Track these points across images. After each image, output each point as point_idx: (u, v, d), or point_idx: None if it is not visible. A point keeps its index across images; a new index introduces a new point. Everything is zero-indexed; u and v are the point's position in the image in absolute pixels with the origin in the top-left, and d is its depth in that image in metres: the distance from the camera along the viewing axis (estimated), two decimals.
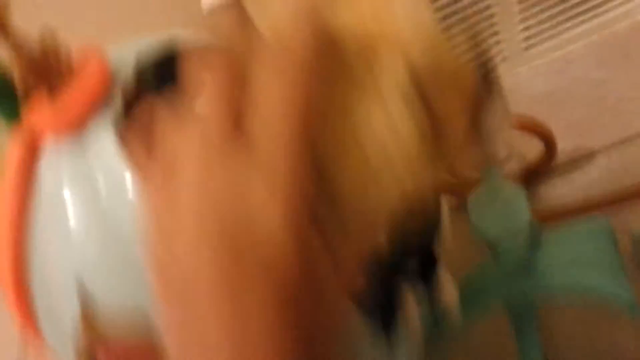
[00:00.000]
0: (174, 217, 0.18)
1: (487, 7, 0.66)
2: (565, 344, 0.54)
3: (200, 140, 0.18)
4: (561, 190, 0.61)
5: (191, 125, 0.19)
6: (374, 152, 0.20)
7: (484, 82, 0.23)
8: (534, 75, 0.70)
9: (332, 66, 0.20)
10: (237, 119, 0.18)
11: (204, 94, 0.19)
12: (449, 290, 0.37)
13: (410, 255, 0.36)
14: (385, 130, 0.20)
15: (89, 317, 0.28)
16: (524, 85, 0.69)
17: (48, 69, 0.29)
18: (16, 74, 0.29)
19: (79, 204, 0.28)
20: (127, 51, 0.31)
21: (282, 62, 0.18)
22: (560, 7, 0.68)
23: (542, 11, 0.68)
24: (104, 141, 0.28)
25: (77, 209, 0.28)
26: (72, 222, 0.28)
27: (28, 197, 0.30)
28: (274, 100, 0.18)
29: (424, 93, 0.21)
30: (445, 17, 0.67)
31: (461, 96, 0.23)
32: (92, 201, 0.28)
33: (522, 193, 0.42)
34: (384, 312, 0.38)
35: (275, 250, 0.17)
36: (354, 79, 0.20)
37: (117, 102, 0.28)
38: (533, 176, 0.62)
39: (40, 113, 0.29)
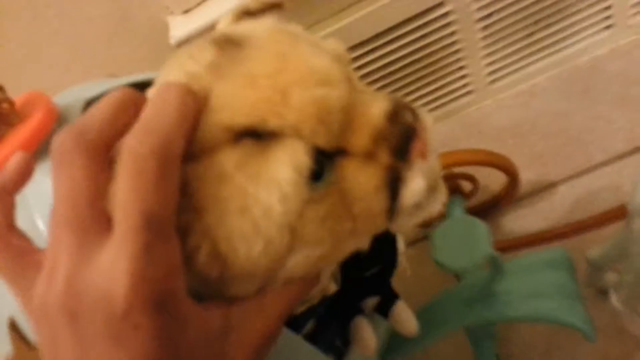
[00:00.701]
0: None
1: (453, 43, 0.68)
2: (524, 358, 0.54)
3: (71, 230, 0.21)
4: (525, 220, 0.63)
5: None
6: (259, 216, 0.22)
7: (403, 150, 0.23)
8: (498, 108, 0.71)
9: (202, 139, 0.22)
10: (98, 208, 0.21)
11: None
12: (407, 320, 0.37)
13: (367, 295, 0.37)
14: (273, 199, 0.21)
15: (22, 356, 0.29)
16: (489, 118, 0.71)
17: None
18: None
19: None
20: (75, 96, 0.32)
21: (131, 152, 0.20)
22: (524, 43, 0.70)
23: (506, 46, 0.70)
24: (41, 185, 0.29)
25: None
26: None
27: None
28: (121, 190, 0.20)
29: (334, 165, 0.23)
30: (413, 52, 0.68)
31: (374, 171, 0.23)
32: None
33: (484, 227, 0.43)
34: (339, 346, 0.38)
35: (123, 315, 0.20)
36: (246, 152, 0.22)
37: None
38: (497, 207, 0.63)
39: None
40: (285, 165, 0.21)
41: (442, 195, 0.25)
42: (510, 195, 0.60)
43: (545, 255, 0.51)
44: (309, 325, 0.34)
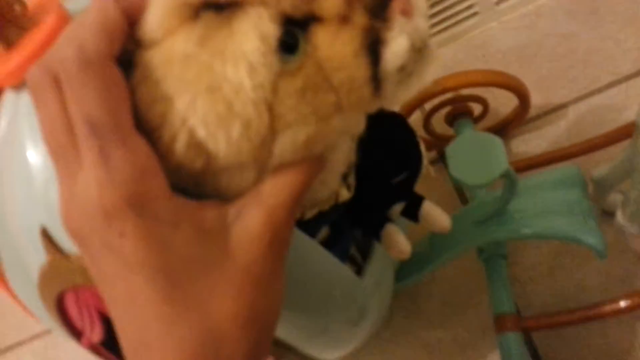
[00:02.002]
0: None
1: None
2: (531, 285, 0.55)
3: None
4: (532, 143, 0.62)
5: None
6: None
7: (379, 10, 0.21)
8: (504, 31, 0.70)
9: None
10: (72, 133, 0.21)
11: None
12: (440, 216, 0.37)
13: (395, 202, 0.36)
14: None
15: (56, 265, 0.28)
16: (495, 41, 0.70)
17: (2, 25, 0.28)
18: None
19: (40, 155, 0.28)
20: (84, 2, 0.30)
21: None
22: None
23: None
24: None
25: (39, 160, 0.28)
26: (34, 172, 0.28)
27: None
28: (72, 114, 0.21)
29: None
30: None
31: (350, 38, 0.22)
32: None
33: (499, 142, 0.42)
34: (355, 255, 0.38)
35: (105, 223, 0.21)
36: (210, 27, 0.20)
37: None
38: (505, 131, 0.62)
39: None
40: (251, 36, 0.20)
41: (431, 58, 0.23)
42: (520, 117, 0.60)
43: (557, 174, 0.51)
44: (322, 233, 0.33)
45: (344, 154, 0.29)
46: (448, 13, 0.70)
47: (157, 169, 0.21)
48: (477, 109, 0.60)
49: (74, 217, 0.21)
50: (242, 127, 0.21)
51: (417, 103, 0.57)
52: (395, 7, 0.22)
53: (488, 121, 0.62)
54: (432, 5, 0.68)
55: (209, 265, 0.21)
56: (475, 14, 0.70)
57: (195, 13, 0.20)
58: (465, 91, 0.57)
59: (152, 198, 0.21)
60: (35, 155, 0.29)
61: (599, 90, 0.62)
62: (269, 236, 0.22)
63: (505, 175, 0.41)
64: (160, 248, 0.21)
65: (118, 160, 0.20)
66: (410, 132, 0.36)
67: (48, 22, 0.28)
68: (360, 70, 0.22)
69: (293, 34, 0.21)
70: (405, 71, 0.23)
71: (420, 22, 0.22)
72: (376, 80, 0.22)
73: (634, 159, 0.44)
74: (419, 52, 0.23)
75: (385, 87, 0.23)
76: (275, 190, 0.23)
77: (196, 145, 0.21)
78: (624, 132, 0.54)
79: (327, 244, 0.33)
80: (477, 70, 0.57)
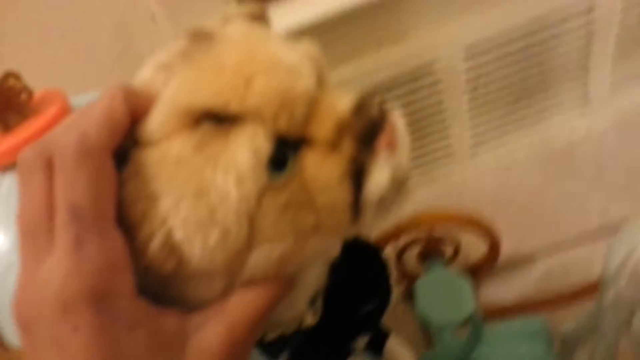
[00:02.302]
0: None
1: (440, 110, 0.71)
2: None
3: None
4: (499, 290, 0.63)
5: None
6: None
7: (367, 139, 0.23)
8: (478, 178, 0.73)
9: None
10: (51, 216, 0.21)
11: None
12: (404, 355, 0.36)
13: (361, 333, 0.35)
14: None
15: None
16: (469, 187, 0.73)
17: (3, 109, 0.29)
18: None
19: (5, 241, 0.28)
20: (90, 98, 0.32)
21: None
22: (507, 118, 0.73)
23: (490, 119, 0.73)
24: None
25: (3, 237, 0.28)
26: None
27: None
28: (58, 197, 0.21)
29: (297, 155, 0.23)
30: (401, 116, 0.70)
31: (336, 163, 0.23)
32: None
33: (467, 284, 0.43)
34: None
35: (60, 316, 0.20)
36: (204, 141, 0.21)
37: None
38: (476, 274, 0.63)
39: None
40: (244, 149, 0.21)
41: (408, 194, 0.25)
42: (489, 263, 0.61)
43: (523, 325, 0.51)
44: (283, 358, 0.32)
45: (314, 278, 0.29)
46: (427, 156, 0.74)
47: (127, 266, 0.21)
48: (449, 250, 0.61)
49: (26, 302, 0.20)
50: (220, 235, 0.21)
51: (391, 237, 0.58)
52: (382, 139, 0.23)
53: (458, 264, 0.63)
54: (414, 149, 0.72)
55: None
56: (452, 160, 0.74)
57: (196, 122, 0.21)
58: (439, 232, 0.59)
59: (116, 296, 0.20)
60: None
61: (566, 245, 0.65)
62: (227, 353, 0.22)
63: (471, 319, 0.41)
64: (111, 349, 0.20)
65: (91, 250, 0.20)
66: (382, 264, 0.37)
67: (48, 112, 0.29)
68: (342, 195, 0.23)
69: (284, 153, 0.22)
70: (383, 202, 0.24)
71: (403, 158, 0.24)
72: (357, 206, 0.23)
73: (599, 317, 0.45)
74: (398, 184, 0.24)
75: (364, 214, 0.24)
76: (239, 307, 0.23)
77: (171, 247, 0.22)
78: (589, 290, 0.55)
79: None
80: (452, 209, 0.59)
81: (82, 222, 0.20)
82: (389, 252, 0.63)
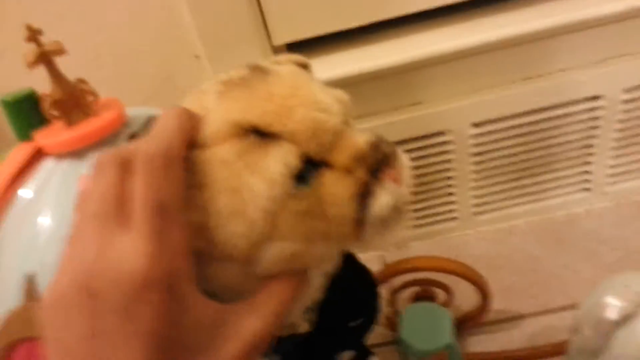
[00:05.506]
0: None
1: (447, 170, 0.75)
2: None
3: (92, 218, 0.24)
4: (484, 345, 0.65)
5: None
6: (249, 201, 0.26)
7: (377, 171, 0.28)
8: (478, 239, 0.77)
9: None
10: (122, 204, 0.24)
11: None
12: None
13: (345, 347, 0.39)
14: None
15: (26, 312, 0.30)
16: (468, 246, 0.77)
17: (72, 106, 0.35)
18: (46, 104, 0.34)
19: (53, 219, 0.32)
20: (142, 112, 0.37)
21: (144, 163, 0.25)
22: (510, 186, 0.77)
23: (494, 185, 0.77)
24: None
25: (50, 223, 0.32)
26: (41, 230, 0.32)
27: (11, 193, 0.34)
28: (138, 185, 0.24)
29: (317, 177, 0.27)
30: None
31: (350, 184, 0.27)
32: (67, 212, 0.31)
33: (448, 317, 0.46)
34: None
35: (137, 291, 0.23)
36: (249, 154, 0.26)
37: (121, 144, 0.33)
38: (464, 326, 0.66)
39: (53, 135, 0.34)
40: (278, 160, 0.26)
41: (405, 221, 0.29)
42: (479, 316, 0.64)
43: None
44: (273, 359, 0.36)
45: (313, 288, 0.33)
46: (429, 214, 0.78)
47: (189, 253, 0.25)
48: (441, 296, 0.64)
49: (99, 272, 0.23)
50: (247, 226, 0.26)
51: (386, 277, 0.61)
52: (389, 173, 0.28)
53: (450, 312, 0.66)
54: (418, 203, 0.77)
55: (201, 351, 0.24)
56: (454, 219, 0.78)
57: (244, 133, 0.26)
58: (435, 278, 0.62)
59: (180, 279, 0.24)
60: (49, 218, 0.33)
61: (554, 311, 0.67)
62: (255, 342, 0.26)
63: (450, 348, 0.44)
64: (171, 325, 0.23)
65: (170, 241, 0.24)
66: (372, 285, 0.40)
67: (107, 116, 0.35)
68: (350, 210, 0.28)
69: (309, 170, 0.27)
70: (383, 223, 0.28)
71: (404, 191, 0.29)
72: (360, 222, 0.28)
73: None
74: (397, 211, 0.28)
75: (365, 230, 0.28)
76: (268, 300, 0.27)
77: (204, 228, 0.26)
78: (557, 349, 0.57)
79: None
80: (449, 259, 0.62)
81: (165, 216, 0.24)
82: (384, 290, 0.66)
